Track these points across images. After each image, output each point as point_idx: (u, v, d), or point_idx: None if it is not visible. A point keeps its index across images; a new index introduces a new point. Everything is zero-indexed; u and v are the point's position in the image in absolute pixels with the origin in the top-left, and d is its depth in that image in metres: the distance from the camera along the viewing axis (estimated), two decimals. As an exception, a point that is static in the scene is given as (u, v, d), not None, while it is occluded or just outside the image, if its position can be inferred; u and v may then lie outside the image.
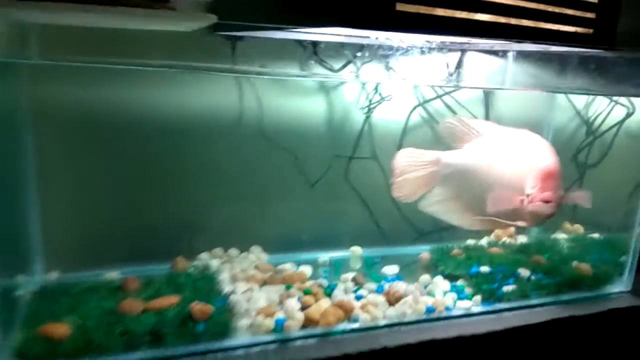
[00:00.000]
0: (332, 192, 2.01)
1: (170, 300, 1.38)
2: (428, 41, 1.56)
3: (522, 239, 2.01)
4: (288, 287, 1.56)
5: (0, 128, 1.38)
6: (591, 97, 2.22)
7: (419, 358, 1.40)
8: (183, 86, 1.78)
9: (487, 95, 2.01)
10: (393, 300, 1.51)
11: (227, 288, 1.53)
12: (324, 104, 1.95)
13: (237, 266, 1.71)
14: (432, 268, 1.78)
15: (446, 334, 1.43)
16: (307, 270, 1.71)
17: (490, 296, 1.57)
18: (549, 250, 1.82)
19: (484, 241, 1.96)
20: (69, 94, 1.65)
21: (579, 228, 2.10)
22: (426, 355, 1.40)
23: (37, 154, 1.62)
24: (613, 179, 2.22)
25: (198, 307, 1.34)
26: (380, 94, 1.92)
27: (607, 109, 2.24)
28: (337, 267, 1.81)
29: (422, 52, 1.64)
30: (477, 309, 1.56)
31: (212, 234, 1.87)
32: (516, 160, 1.46)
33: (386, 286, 1.59)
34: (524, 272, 1.66)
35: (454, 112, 2.03)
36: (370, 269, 1.81)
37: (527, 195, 1.42)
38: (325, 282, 1.60)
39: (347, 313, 1.45)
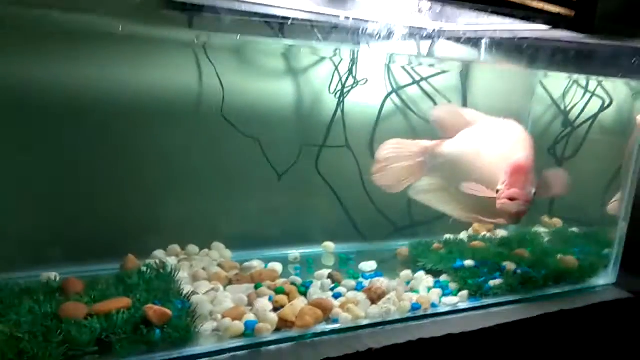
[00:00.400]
0: (301, 184, 1.85)
1: (120, 302, 1.18)
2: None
3: (501, 233, 1.93)
4: (257, 286, 1.39)
5: None
6: (568, 85, 2.18)
7: (407, 359, 1.26)
8: (133, 63, 1.57)
9: (465, 81, 1.92)
10: (375, 297, 1.37)
11: (187, 288, 1.34)
12: (293, 87, 1.80)
13: (197, 264, 1.52)
14: (412, 263, 1.65)
15: (435, 332, 1.30)
16: (277, 267, 1.54)
17: (477, 291, 1.46)
18: (531, 244, 1.74)
19: (463, 235, 1.86)
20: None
21: (557, 222, 2.04)
22: (415, 355, 1.27)
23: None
24: (590, 172, 2.19)
25: (154, 310, 1.15)
26: (354, 77, 1.78)
27: (584, 100, 2.21)
28: (310, 264, 1.66)
29: (391, 35, 1.52)
30: (464, 304, 1.44)
31: (166, 230, 1.67)
32: (496, 153, 1.38)
33: (366, 283, 1.44)
34: (510, 266, 1.56)
35: (431, 99, 1.92)
36: (346, 265, 1.66)
37: (497, 192, 1.33)
38: (299, 280, 1.44)
39: (326, 313, 1.29)
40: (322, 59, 1.78)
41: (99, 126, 1.53)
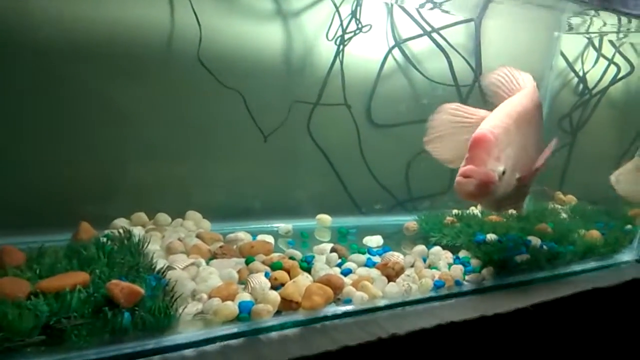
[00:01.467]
0: (290, 147, 1.59)
1: (74, 277, 0.92)
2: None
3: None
4: (249, 260, 1.13)
5: None
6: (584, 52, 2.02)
7: (437, 346, 1.04)
8: None
9: (478, 34, 1.70)
10: (393, 274, 1.14)
11: (161, 263, 1.06)
12: (282, 33, 1.53)
13: (170, 235, 1.24)
14: (421, 239, 1.43)
15: (464, 315, 1.08)
16: (268, 239, 1.29)
17: (503, 268, 1.26)
18: (551, 219, 1.56)
19: (474, 210, 1.66)
20: None
21: (572, 198, 1.89)
22: (445, 341, 1.05)
23: None
24: (604, 144, 2.05)
25: (120, 287, 0.88)
26: (357, 22, 1.53)
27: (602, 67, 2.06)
28: (305, 237, 1.41)
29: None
30: (489, 282, 1.24)
31: (130, 195, 1.40)
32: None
33: (376, 259, 1.21)
34: (535, 241, 1.37)
35: (445, 53, 1.68)
36: (345, 240, 1.42)
37: None
38: (298, 254, 1.19)
39: (336, 291, 1.05)
40: (321, -3, 1.53)
41: (44, 69, 1.23)
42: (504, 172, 1.09)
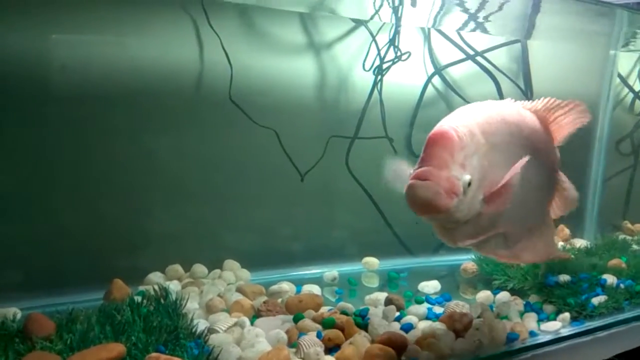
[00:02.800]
0: (329, 185, 1.49)
1: (109, 351, 0.82)
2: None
3: (580, 242, 1.59)
4: (298, 318, 1.01)
5: None
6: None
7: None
8: (119, 32, 1.22)
9: (526, 54, 1.59)
10: (460, 328, 1.01)
11: (201, 324, 0.96)
12: (315, 65, 1.46)
13: (209, 290, 1.14)
14: (481, 282, 1.30)
15: (546, 373, 0.95)
16: (315, 290, 1.18)
17: (580, 312, 1.12)
18: (622, 253, 1.41)
19: None
20: None
21: (640, 227, 1.73)
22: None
23: None
24: None
25: None
26: (396, 50, 1.44)
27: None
28: (353, 285, 1.29)
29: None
30: (567, 330, 1.10)
31: (162, 246, 1.31)
32: None
33: (437, 309, 1.09)
34: (611, 279, 1.23)
35: (492, 77, 1.56)
36: (397, 286, 1.31)
37: None
38: (350, 307, 1.07)
39: (401, 352, 0.92)
40: (356, 25, 1.45)
41: (79, 114, 1.17)
42: (469, 184, 0.85)
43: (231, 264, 1.30)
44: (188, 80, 1.31)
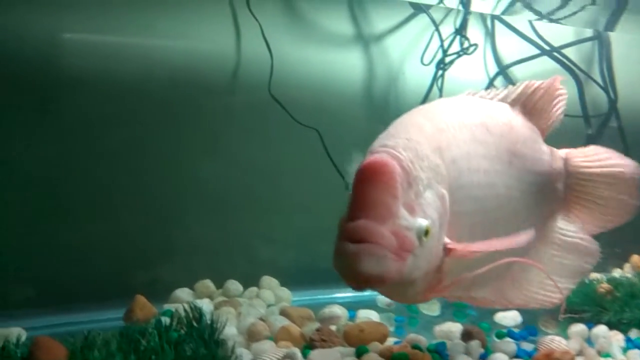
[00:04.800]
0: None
1: None
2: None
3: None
4: (362, 351, 0.82)
5: None
6: None
7: None
8: (148, 18, 1.08)
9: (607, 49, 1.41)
10: (560, 369, 0.82)
11: (245, 356, 0.78)
12: (363, 59, 1.31)
13: (248, 312, 0.95)
14: (568, 313, 1.11)
15: None
16: (372, 317, 0.99)
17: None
18: None
19: (620, 273, 1.33)
20: None
21: None
22: None
23: None
24: None
25: None
26: (462, 40, 1.26)
27: None
28: (414, 312, 1.10)
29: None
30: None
31: (190, 258, 1.15)
32: None
33: (526, 345, 0.90)
34: None
35: (574, 76, 1.35)
36: (464, 315, 1.11)
37: None
38: (423, 340, 0.88)
39: (497, 401, 0.73)
40: (414, 13, 1.28)
41: (99, 110, 1.04)
42: (427, 232, 0.62)
43: (269, 281, 1.13)
44: (223, 72, 1.17)
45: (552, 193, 0.84)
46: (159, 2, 1.12)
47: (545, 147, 0.84)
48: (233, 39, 1.18)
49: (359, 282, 0.60)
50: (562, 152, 0.87)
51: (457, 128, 0.71)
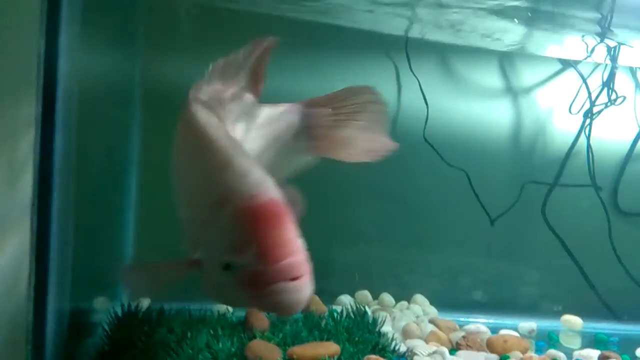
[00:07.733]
0: (522, 233, 1.42)
1: (327, 348, 0.83)
2: None
3: None
4: (504, 358, 0.94)
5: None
6: None
7: None
8: (325, 80, 1.32)
9: None
10: None
11: (400, 346, 0.94)
12: (511, 110, 1.43)
13: (401, 317, 1.12)
14: None
15: None
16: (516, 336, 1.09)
17: None
18: None
19: None
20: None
21: None
22: None
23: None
24: None
25: None
26: (610, 93, 1.35)
27: None
28: (554, 340, 1.16)
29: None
30: None
31: (351, 274, 1.33)
32: None
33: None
34: None
35: None
36: (606, 348, 1.14)
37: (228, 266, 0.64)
38: (562, 356, 0.97)
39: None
40: (562, 69, 1.41)
41: None
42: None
43: (421, 298, 1.28)
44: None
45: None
46: (336, 65, 1.36)
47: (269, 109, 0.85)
48: (395, 92, 1.38)
49: (295, 310, 0.64)
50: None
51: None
